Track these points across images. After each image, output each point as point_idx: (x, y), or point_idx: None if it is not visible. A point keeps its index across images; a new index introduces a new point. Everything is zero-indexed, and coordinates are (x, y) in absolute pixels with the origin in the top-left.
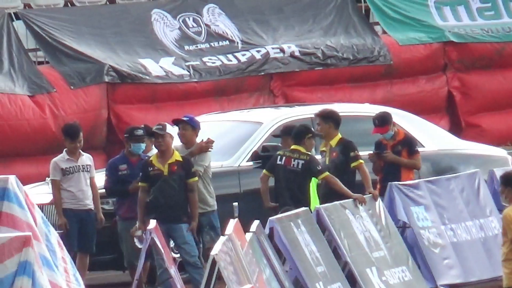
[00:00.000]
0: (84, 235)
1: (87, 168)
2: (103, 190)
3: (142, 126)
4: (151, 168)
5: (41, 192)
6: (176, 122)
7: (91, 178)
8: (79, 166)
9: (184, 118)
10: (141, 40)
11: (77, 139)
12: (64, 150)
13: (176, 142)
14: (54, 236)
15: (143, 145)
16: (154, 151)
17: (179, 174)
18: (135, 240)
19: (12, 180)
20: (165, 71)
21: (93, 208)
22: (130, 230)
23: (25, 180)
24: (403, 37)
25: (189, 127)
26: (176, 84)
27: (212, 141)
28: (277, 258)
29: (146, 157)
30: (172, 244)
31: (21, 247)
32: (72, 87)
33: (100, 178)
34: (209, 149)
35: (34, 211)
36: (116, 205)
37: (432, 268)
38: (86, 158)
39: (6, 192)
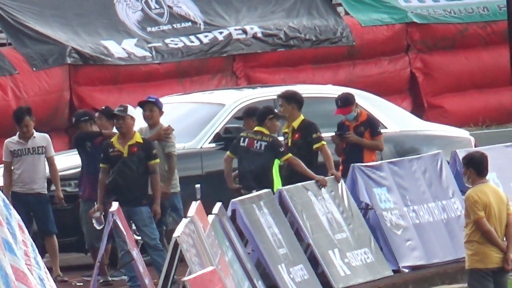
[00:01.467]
0: (38, 218)
1: (41, 150)
2: (64, 172)
3: (103, 107)
4: (112, 149)
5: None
6: (142, 103)
7: (49, 158)
8: (29, 148)
9: (151, 99)
10: (104, 22)
11: (22, 123)
12: (18, 132)
13: (139, 124)
14: (15, 219)
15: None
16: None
17: (138, 156)
18: (94, 221)
19: None
20: (127, 53)
21: (43, 192)
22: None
23: None
24: (365, 18)
25: (156, 108)
26: (138, 66)
27: (172, 130)
28: (239, 240)
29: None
30: (134, 226)
31: None
32: (34, 69)
33: (62, 160)
34: (167, 137)
35: None
36: (78, 187)
37: (394, 250)
38: (40, 140)
39: None
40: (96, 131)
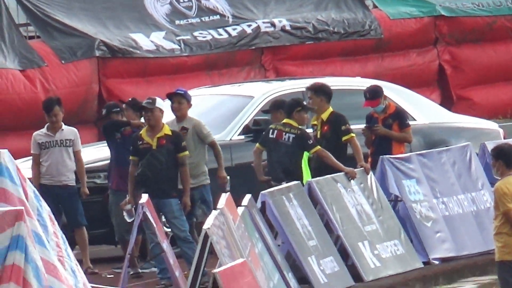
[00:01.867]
0: (67, 211)
1: (68, 143)
2: (93, 164)
3: (130, 99)
4: (140, 142)
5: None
6: (170, 95)
7: (76, 152)
8: (56, 141)
9: (179, 92)
10: (132, 15)
11: (51, 112)
12: (46, 124)
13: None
14: (46, 210)
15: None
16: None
17: (167, 148)
18: (124, 214)
19: (4, 154)
20: (156, 46)
21: (70, 184)
22: (120, 203)
23: (17, 154)
24: (394, 11)
25: (184, 100)
26: (167, 59)
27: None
28: (269, 232)
29: (137, 130)
30: (164, 218)
31: (13, 222)
32: (63, 62)
33: (91, 152)
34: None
35: (26, 186)
36: (107, 178)
37: (424, 242)
38: (68, 133)
39: None
40: (124, 121)
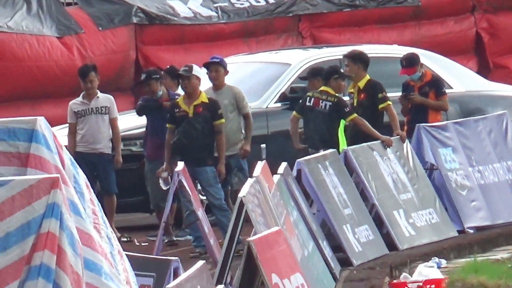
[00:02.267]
0: (100, 177)
1: (104, 111)
2: (129, 132)
3: (168, 67)
4: (177, 110)
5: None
6: (207, 64)
7: (112, 120)
8: (92, 108)
9: (216, 60)
10: None
11: (86, 78)
12: (82, 93)
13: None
14: (82, 178)
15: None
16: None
17: (204, 116)
18: (160, 181)
19: (41, 122)
20: (193, 13)
21: (106, 152)
22: (156, 171)
23: (53, 121)
24: None
25: (221, 68)
26: (204, 26)
27: None
28: (304, 200)
29: (175, 96)
30: (199, 186)
31: (49, 189)
32: (100, 29)
33: (127, 120)
34: None
35: (62, 153)
36: (143, 146)
37: (459, 211)
38: (103, 100)
39: (34, 133)
40: (158, 103)
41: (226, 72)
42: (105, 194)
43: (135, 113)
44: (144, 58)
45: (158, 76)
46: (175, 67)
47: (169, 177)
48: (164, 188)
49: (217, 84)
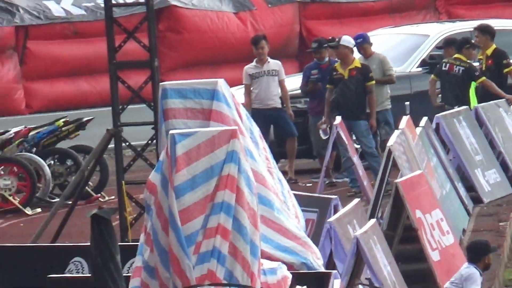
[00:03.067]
0: (279, 126)
1: (274, 73)
2: (296, 92)
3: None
4: (335, 73)
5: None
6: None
7: (281, 81)
8: (264, 71)
9: (359, 41)
10: None
11: (258, 45)
12: (255, 59)
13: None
14: (256, 130)
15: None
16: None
17: (357, 78)
18: (320, 132)
19: (221, 83)
20: None
21: (278, 106)
22: (318, 123)
23: (231, 83)
24: None
25: (367, 44)
26: (357, 3)
27: None
28: (442, 148)
29: (335, 63)
30: (354, 137)
31: (229, 139)
32: (269, 6)
33: (293, 81)
34: None
35: (239, 109)
36: (307, 104)
37: None
38: (273, 64)
39: (215, 93)
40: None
41: (371, 44)
42: (288, 137)
43: (300, 90)
44: (307, 31)
45: (326, 45)
46: (327, 39)
47: (328, 128)
48: (324, 137)
49: (364, 54)
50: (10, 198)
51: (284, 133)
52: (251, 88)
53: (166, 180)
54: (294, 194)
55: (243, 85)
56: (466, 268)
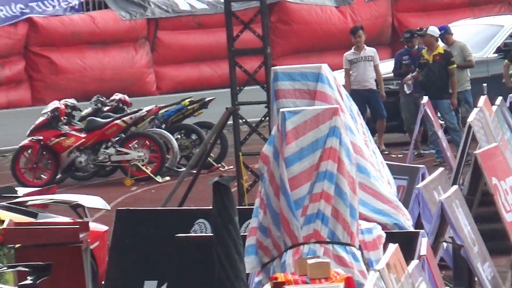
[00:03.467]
0: (372, 106)
1: (370, 58)
2: (389, 75)
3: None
4: (422, 58)
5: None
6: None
7: (376, 66)
8: (361, 57)
9: (442, 32)
10: None
11: (356, 34)
12: (353, 46)
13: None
14: (355, 108)
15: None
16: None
17: (440, 63)
18: (405, 87)
19: (325, 67)
20: None
21: (373, 88)
22: (408, 103)
23: (333, 67)
24: None
25: (448, 34)
26: None
27: None
28: None
29: (422, 50)
30: (439, 113)
31: (331, 116)
32: (366, 0)
33: (387, 65)
34: None
35: (340, 90)
36: (398, 85)
37: None
38: (369, 51)
39: (320, 76)
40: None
41: (451, 34)
42: (378, 118)
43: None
44: (398, 22)
45: (416, 35)
46: (414, 30)
47: (411, 83)
48: (408, 91)
49: (446, 43)
50: (143, 167)
51: (375, 114)
52: (350, 72)
53: (278, 152)
54: (387, 164)
55: (343, 69)
56: None
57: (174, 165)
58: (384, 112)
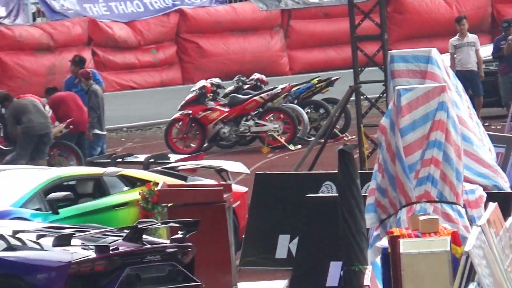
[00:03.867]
0: (472, 86)
1: (472, 44)
2: (487, 58)
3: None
4: None
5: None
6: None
7: (477, 50)
8: (464, 42)
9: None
10: None
11: (460, 23)
12: (457, 33)
13: None
14: (460, 86)
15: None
16: None
17: None
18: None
19: (434, 51)
20: None
21: (475, 69)
22: (505, 82)
23: (441, 51)
24: None
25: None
26: None
27: None
28: None
29: None
30: None
31: (440, 93)
32: None
33: (486, 50)
34: None
35: (447, 70)
36: (497, 66)
37: None
38: (471, 37)
39: (430, 58)
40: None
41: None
42: (475, 97)
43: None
44: (497, 12)
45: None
46: (511, 19)
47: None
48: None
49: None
50: (278, 137)
51: (474, 92)
52: (455, 55)
53: (394, 124)
54: (488, 134)
55: (449, 53)
56: None
57: (304, 135)
58: (482, 91)
